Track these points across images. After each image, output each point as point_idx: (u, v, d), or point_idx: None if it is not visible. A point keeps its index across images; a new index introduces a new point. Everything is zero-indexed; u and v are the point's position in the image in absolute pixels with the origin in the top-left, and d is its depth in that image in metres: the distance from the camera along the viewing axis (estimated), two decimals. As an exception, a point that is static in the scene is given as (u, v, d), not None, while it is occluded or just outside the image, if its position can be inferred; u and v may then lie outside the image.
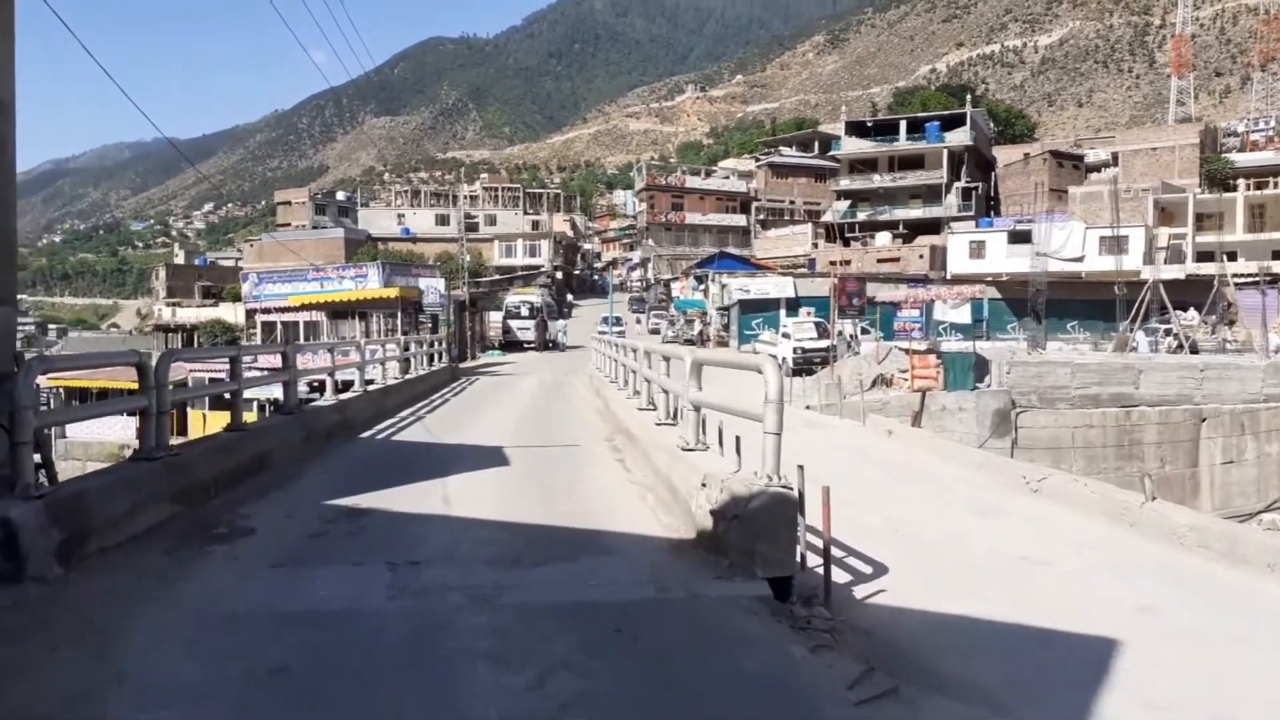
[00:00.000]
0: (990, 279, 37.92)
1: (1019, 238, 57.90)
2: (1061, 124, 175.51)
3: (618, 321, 42.04)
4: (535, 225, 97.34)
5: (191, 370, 28.84)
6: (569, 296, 76.70)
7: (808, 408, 19.49)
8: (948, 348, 27.59)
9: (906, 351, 21.82)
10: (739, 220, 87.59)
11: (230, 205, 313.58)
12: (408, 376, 17.72)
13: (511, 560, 5.35)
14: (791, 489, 5.08)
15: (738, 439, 6.78)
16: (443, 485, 7.92)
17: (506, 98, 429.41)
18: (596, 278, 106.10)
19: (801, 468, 5.43)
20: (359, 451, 10.29)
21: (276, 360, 9.89)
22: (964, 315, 26.97)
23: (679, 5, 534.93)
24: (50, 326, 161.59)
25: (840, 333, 26.59)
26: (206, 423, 28.32)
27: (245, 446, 7.96)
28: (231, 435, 7.97)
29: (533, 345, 40.50)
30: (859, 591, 5.60)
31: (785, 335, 26.37)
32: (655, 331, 50.84)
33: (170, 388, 6.52)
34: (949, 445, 11.98)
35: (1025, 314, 37.82)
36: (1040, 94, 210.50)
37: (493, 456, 9.73)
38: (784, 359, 23.92)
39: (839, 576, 5.60)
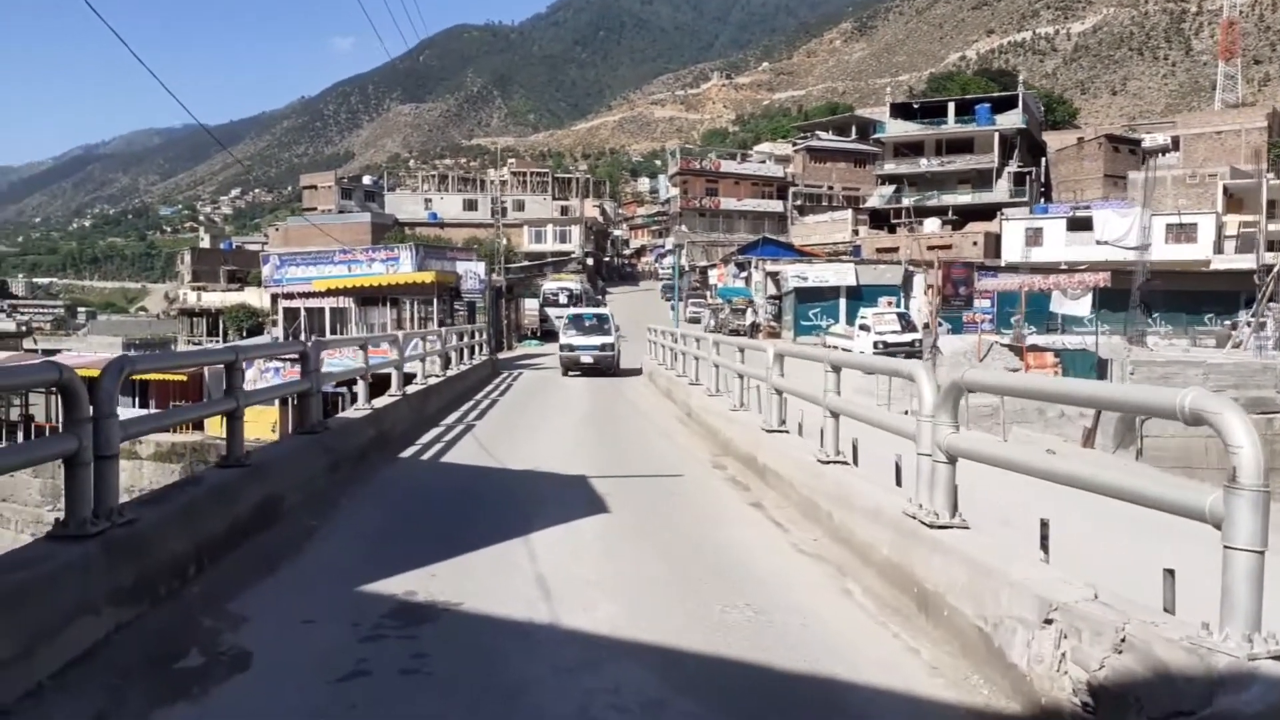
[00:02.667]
0: (1082, 267, 34.44)
1: (1078, 225, 54.96)
2: (1095, 112, 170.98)
3: (599, 323, 22.14)
4: (564, 211, 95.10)
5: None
6: (600, 283, 74.19)
7: (906, 413, 16.80)
8: (1036, 341, 24.89)
9: (1013, 348, 19.14)
10: (775, 206, 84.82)
11: (257, 191, 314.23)
12: (449, 373, 15.32)
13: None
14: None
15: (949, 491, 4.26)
16: (528, 552, 5.46)
17: (531, 85, 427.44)
18: (626, 265, 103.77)
19: (1171, 573, 2.99)
20: (402, 483, 7.85)
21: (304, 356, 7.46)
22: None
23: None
24: (80, 309, 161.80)
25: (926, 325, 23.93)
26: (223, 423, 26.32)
27: (244, 491, 5.54)
28: (225, 475, 5.54)
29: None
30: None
31: (863, 327, 23.57)
32: (695, 320, 48.28)
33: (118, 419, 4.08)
34: (1159, 475, 9.38)
35: (1104, 307, 34.68)
36: (1073, 81, 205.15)
37: (578, 494, 7.27)
38: (861, 354, 21.29)
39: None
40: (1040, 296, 28.30)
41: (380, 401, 10.28)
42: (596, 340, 21.47)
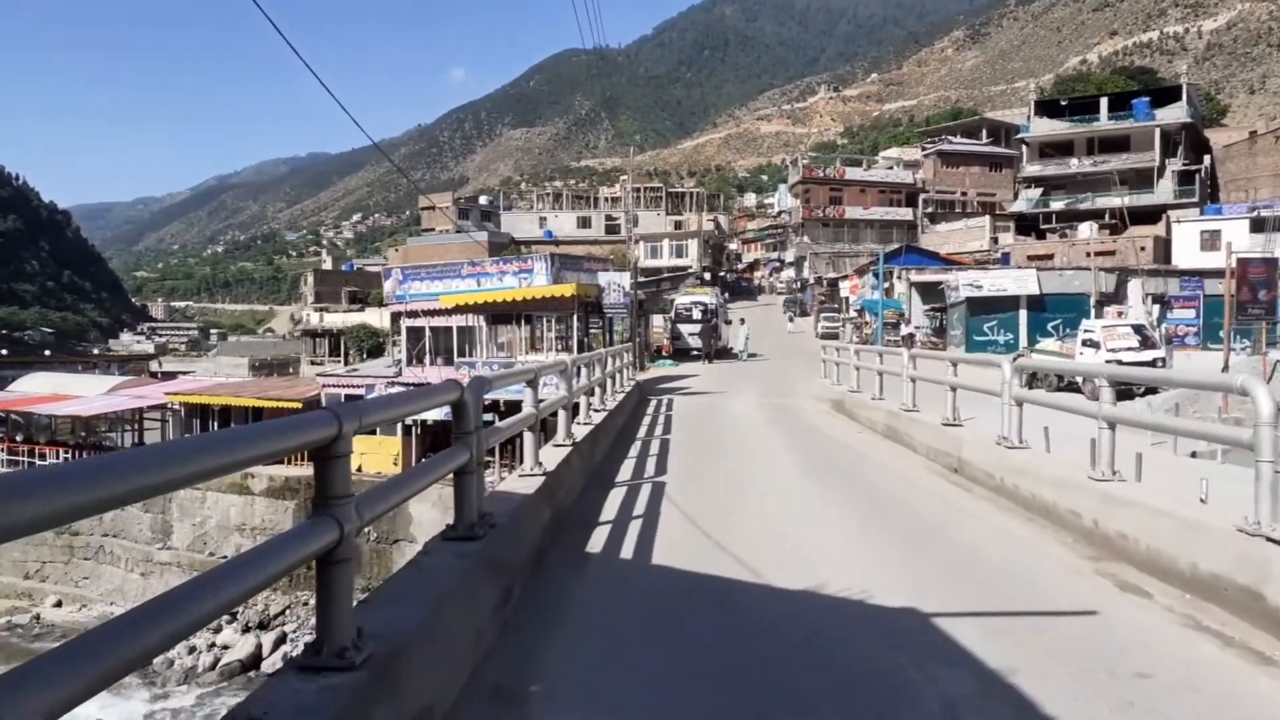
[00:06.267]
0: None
1: (1261, 225, 48.96)
2: (1232, 112, 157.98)
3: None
4: (677, 225, 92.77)
5: (326, 387, 24.51)
6: (725, 297, 70.84)
7: (1194, 455, 12.84)
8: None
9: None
10: (904, 214, 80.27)
11: (377, 215, 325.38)
12: (608, 405, 12.22)
13: None
14: None
15: None
16: None
17: (638, 106, 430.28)
18: (742, 280, 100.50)
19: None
20: (613, 627, 4.52)
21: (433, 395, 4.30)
22: None
23: (810, 7, 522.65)
24: (212, 331, 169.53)
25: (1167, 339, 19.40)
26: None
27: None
28: (321, 707, 2.39)
29: (700, 353, 34.81)
30: None
31: (1089, 343, 19.05)
32: (831, 335, 44.48)
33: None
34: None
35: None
36: (1206, 81, 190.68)
37: (957, 671, 3.87)
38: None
39: None
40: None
41: (549, 457, 7.13)
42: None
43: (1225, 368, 16.91)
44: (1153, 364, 17.36)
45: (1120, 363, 17.17)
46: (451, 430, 4.32)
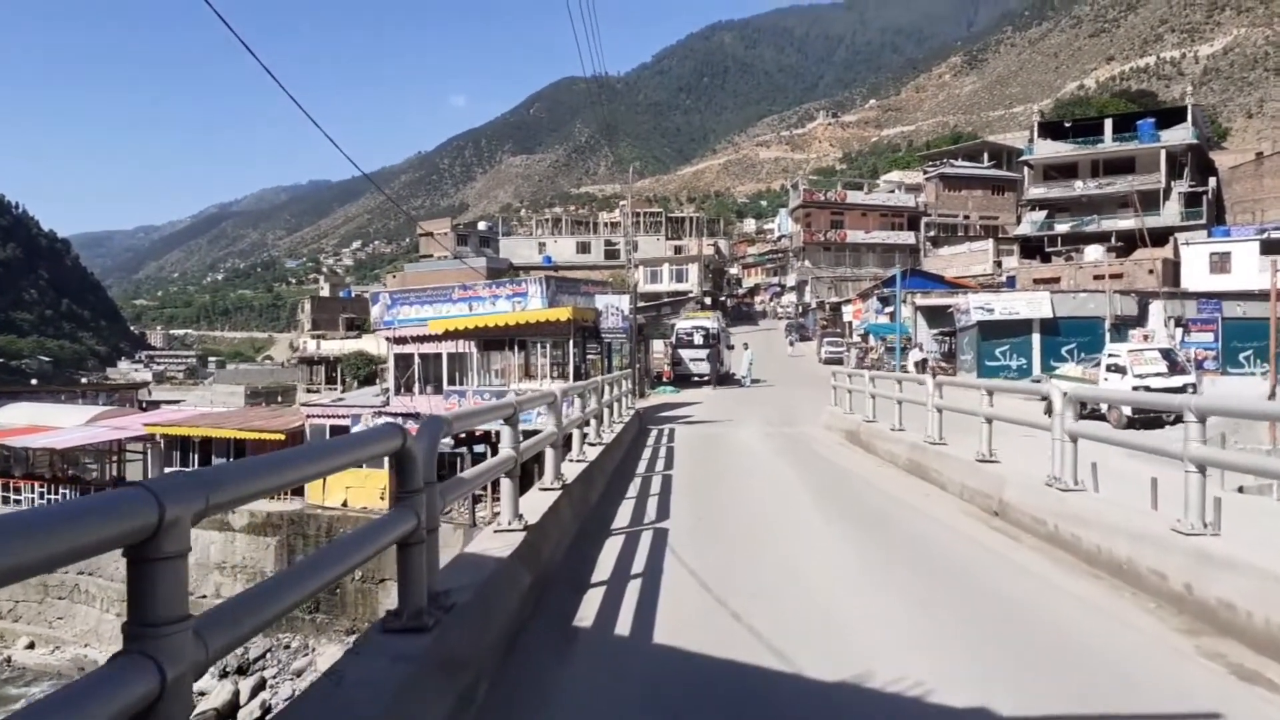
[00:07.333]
0: None
1: (1272, 247, 48.22)
2: (1231, 136, 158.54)
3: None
4: (677, 250, 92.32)
5: (310, 418, 23.50)
6: (727, 321, 70.07)
7: (1240, 489, 11.83)
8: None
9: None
10: (906, 238, 79.83)
11: (377, 243, 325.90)
12: (605, 438, 11.21)
13: None
14: None
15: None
16: None
17: (637, 133, 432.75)
18: (743, 305, 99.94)
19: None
20: None
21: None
22: None
23: (808, 34, 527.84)
24: (210, 359, 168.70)
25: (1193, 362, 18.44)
26: (326, 489, 22.74)
27: None
28: None
29: (705, 380, 33.92)
30: None
31: (1115, 368, 18.08)
32: (835, 360, 43.80)
33: None
34: None
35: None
36: (1204, 105, 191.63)
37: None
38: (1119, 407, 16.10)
39: None
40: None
41: (534, 505, 6.12)
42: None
43: (1272, 394, 15.93)
44: (1182, 389, 16.38)
45: (1149, 389, 16.20)
46: (393, 488, 3.34)
